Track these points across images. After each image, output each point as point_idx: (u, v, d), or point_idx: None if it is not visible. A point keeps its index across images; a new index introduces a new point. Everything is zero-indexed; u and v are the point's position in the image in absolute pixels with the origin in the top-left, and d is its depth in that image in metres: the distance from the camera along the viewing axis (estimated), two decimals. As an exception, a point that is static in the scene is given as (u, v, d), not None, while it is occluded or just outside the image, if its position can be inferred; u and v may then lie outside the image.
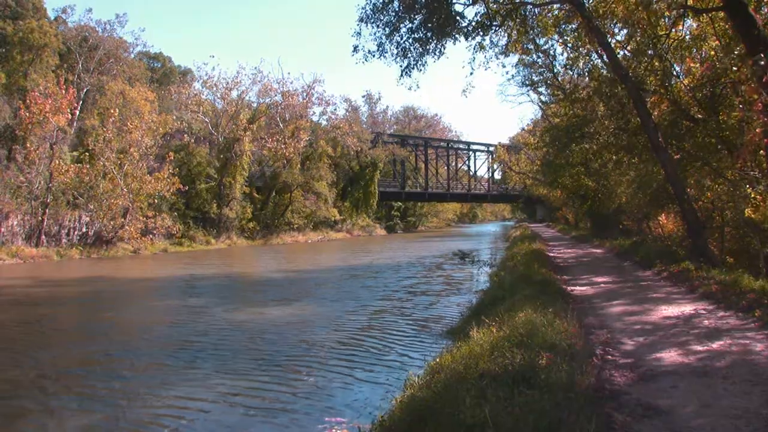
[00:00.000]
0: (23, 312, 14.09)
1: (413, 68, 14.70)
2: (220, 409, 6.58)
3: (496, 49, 16.37)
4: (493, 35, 15.78)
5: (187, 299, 15.73)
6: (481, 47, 15.29)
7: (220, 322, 11.90)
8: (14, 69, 37.26)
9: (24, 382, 7.86)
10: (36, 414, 6.72)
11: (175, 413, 6.51)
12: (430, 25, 13.98)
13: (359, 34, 14.89)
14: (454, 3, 14.14)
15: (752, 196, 11.15)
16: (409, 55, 14.51)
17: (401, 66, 14.74)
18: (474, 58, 18.07)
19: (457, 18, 14.04)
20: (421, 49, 14.41)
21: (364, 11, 14.59)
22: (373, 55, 14.90)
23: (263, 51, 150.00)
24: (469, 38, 14.51)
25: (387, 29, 14.44)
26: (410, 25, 14.30)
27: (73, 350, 9.88)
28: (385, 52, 14.62)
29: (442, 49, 14.60)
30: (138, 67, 49.08)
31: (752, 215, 11.21)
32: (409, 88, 15.64)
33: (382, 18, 14.43)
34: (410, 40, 14.37)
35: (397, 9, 14.27)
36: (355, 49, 15.07)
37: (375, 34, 14.72)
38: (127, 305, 15.40)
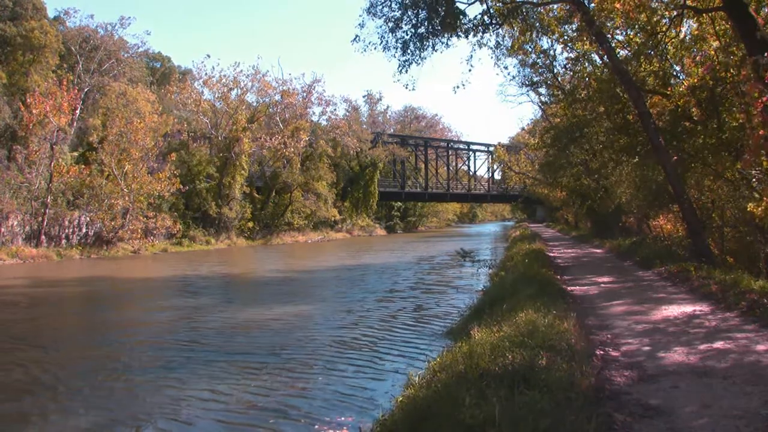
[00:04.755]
0: (24, 312, 14.10)
1: (411, 63, 14.65)
2: (221, 408, 6.58)
3: (497, 50, 16.36)
4: (494, 34, 15.79)
5: (189, 299, 15.73)
6: (480, 45, 15.28)
7: (222, 322, 11.91)
8: (15, 69, 37.25)
9: (25, 382, 7.87)
10: (37, 414, 6.72)
11: (176, 413, 6.51)
12: (432, 21, 13.96)
13: (362, 25, 14.89)
14: (457, 1, 14.14)
15: (756, 195, 11.18)
16: (409, 49, 14.47)
17: (400, 61, 14.71)
18: (472, 55, 18.02)
19: (459, 15, 14.00)
20: (420, 44, 14.37)
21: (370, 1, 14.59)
22: (375, 47, 14.91)
23: (264, 51, 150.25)
24: (470, 36, 14.49)
25: (390, 23, 14.43)
26: (413, 20, 14.27)
27: (74, 350, 9.88)
28: (388, 47, 14.59)
29: (445, 45, 14.57)
30: (139, 68, 49.10)
31: (755, 210, 11.17)
32: (405, 86, 15.51)
33: (386, 11, 14.41)
34: (411, 35, 14.33)
35: (400, 3, 14.26)
36: (356, 38, 15.07)
37: (379, 27, 14.72)
38: (128, 305, 15.41)
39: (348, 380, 7.53)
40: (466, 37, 14.40)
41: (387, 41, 14.57)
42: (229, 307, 14.10)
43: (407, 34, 14.35)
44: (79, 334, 11.49)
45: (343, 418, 6.07)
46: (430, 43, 14.33)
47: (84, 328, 12.39)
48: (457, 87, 15.80)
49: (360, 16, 14.79)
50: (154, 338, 10.74)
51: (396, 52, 14.56)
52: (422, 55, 14.53)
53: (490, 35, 15.44)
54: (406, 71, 14.79)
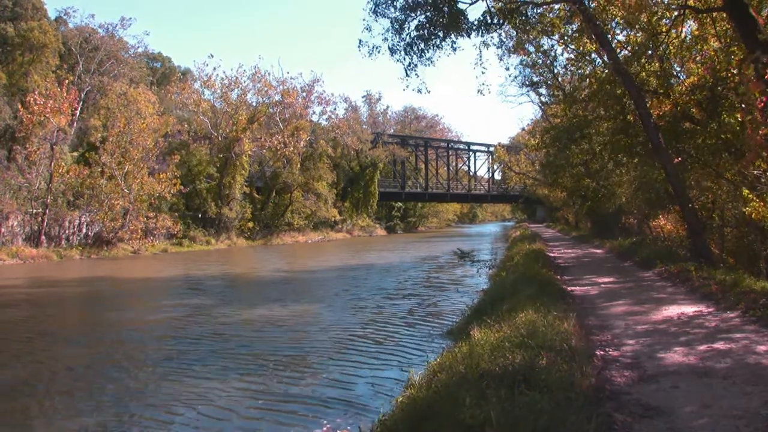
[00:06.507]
0: (24, 312, 14.10)
1: (417, 65, 14.61)
2: (221, 408, 6.60)
3: (500, 49, 16.39)
4: (495, 35, 15.80)
5: (189, 299, 15.75)
6: (486, 45, 15.29)
7: (221, 322, 11.92)
8: (15, 69, 37.28)
9: (26, 382, 7.89)
10: (37, 414, 6.73)
11: (176, 413, 6.52)
12: (436, 20, 13.98)
13: (369, 29, 14.91)
14: (459, 1, 14.15)
15: (751, 197, 11.17)
16: (415, 50, 14.44)
17: (406, 64, 14.66)
18: (481, 55, 18.03)
19: (461, 16, 14.00)
20: (425, 45, 14.35)
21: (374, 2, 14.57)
22: (379, 51, 14.91)
23: (264, 51, 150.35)
24: (473, 35, 14.50)
25: (396, 24, 14.43)
26: (416, 21, 14.27)
27: (74, 350, 9.89)
28: (394, 49, 14.54)
29: (451, 46, 14.56)
30: (139, 68, 49.10)
31: (754, 215, 11.20)
32: (418, 91, 14.73)
33: (390, 12, 14.40)
34: (416, 36, 14.31)
35: (403, 5, 14.26)
36: (361, 43, 15.08)
37: (384, 29, 14.72)
38: (129, 305, 15.39)
39: (348, 380, 7.53)
40: (469, 36, 14.40)
41: (393, 43, 14.56)
42: (228, 307, 14.08)
43: (412, 36, 14.35)
44: (79, 334, 11.48)
45: (343, 418, 6.07)
46: (436, 43, 14.32)
47: (96, 325, 12.46)
48: (479, 91, 16.01)
49: (364, 19, 14.74)
50: (153, 338, 10.77)
51: (402, 54, 14.54)
52: (428, 56, 14.52)
53: (493, 35, 15.47)
54: (416, 74, 14.74)
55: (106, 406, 6.83)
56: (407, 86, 15.91)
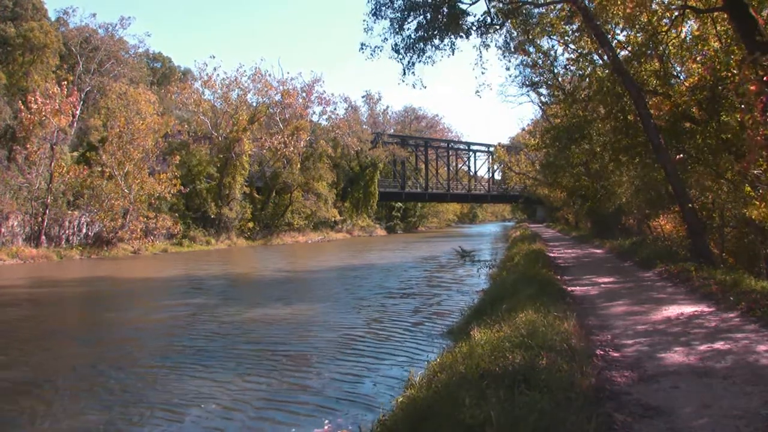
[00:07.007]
0: (25, 312, 14.11)
1: (415, 63, 14.72)
2: (221, 408, 6.60)
3: (505, 51, 16.47)
4: (495, 35, 15.85)
5: (191, 299, 15.75)
6: (486, 46, 15.36)
7: (222, 322, 11.92)
8: (15, 70, 37.28)
9: (32, 381, 7.91)
10: (45, 413, 6.74)
11: (182, 411, 6.54)
12: (434, 22, 14.04)
13: (371, 29, 15.09)
14: (459, 1, 14.19)
15: (752, 195, 11.17)
16: (415, 50, 14.53)
17: (405, 63, 14.78)
18: (480, 56, 18.14)
19: (461, 16, 14.05)
20: (423, 45, 14.44)
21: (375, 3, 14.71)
22: (380, 51, 15.02)
23: (264, 51, 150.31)
24: (471, 36, 14.55)
25: (395, 25, 14.53)
26: (416, 21, 14.35)
27: (78, 349, 9.91)
28: (396, 50, 14.64)
29: (450, 46, 14.63)
30: (140, 69, 49.09)
31: (752, 215, 11.22)
32: (413, 86, 15.26)
33: (390, 13, 14.52)
34: (416, 37, 14.40)
35: (403, 5, 14.34)
36: (362, 46, 15.20)
37: (384, 30, 14.84)
38: (130, 305, 15.39)
39: (348, 380, 7.54)
40: (467, 38, 14.45)
41: (395, 44, 14.65)
42: (229, 307, 14.07)
43: (413, 37, 14.43)
44: (80, 334, 11.49)
45: (342, 418, 6.07)
46: (435, 44, 14.39)
47: (99, 325, 12.49)
48: (478, 92, 16.24)
49: (364, 20, 14.91)
50: (154, 337, 10.79)
51: (401, 55, 14.63)
52: (428, 55, 14.62)
53: (493, 35, 15.53)
54: (413, 73, 14.91)
55: (113, 404, 6.85)
56: (403, 81, 16.05)
